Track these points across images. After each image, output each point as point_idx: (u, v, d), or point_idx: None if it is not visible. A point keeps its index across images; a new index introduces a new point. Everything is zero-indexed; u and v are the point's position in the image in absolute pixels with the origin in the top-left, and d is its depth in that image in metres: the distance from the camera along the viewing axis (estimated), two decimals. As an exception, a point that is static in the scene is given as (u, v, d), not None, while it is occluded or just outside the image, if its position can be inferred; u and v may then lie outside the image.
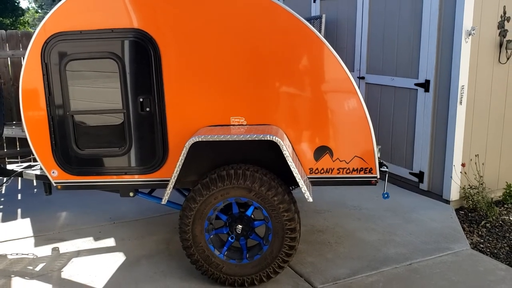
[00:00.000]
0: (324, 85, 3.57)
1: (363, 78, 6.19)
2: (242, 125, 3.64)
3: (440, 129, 5.24)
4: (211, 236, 3.63)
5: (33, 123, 3.71)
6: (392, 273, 3.85)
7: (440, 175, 5.31)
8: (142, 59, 3.58)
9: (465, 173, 5.15)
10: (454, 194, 5.21)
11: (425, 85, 5.30)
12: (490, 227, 4.74)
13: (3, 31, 6.60)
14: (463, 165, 5.13)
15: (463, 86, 4.97)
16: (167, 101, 3.63)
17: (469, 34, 4.86)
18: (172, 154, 3.70)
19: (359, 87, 3.58)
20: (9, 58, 6.61)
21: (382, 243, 4.35)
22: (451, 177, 5.11)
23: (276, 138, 3.30)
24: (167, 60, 3.57)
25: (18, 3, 29.79)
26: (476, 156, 5.22)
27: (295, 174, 3.36)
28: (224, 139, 3.37)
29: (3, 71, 6.52)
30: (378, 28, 5.92)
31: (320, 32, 6.48)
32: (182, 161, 3.45)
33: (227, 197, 3.47)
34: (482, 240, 4.46)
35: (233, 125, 3.64)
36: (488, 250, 4.27)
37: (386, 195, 3.80)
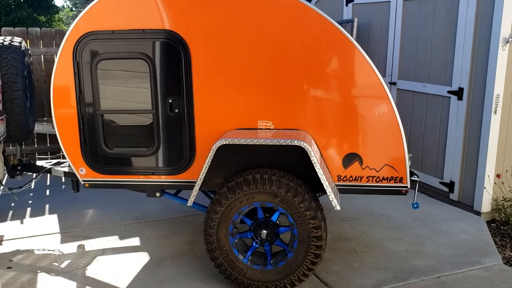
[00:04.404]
0: (355, 90, 3.50)
1: (394, 83, 6.07)
2: (270, 129, 3.59)
3: (473, 138, 5.09)
4: (236, 240, 3.59)
5: (63, 120, 3.75)
6: (419, 285, 3.74)
7: (472, 186, 5.15)
8: (172, 60, 3.57)
9: (502, 183, 4.98)
10: (485, 205, 5.05)
11: (459, 93, 5.16)
12: (523, 241, 4.58)
13: (38, 28, 6.73)
14: (498, 176, 4.97)
15: (498, 95, 4.82)
16: (196, 103, 3.62)
17: (507, 42, 4.71)
18: (199, 156, 3.69)
19: (390, 93, 3.48)
20: (42, 56, 6.75)
21: (410, 254, 4.24)
22: (484, 187, 4.96)
23: (304, 144, 3.24)
24: (197, 61, 3.56)
25: (53, 1, 30.42)
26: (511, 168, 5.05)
27: (322, 181, 3.29)
28: (251, 143, 3.33)
29: (36, 68, 6.64)
30: (411, 33, 5.79)
31: (351, 36, 6.37)
32: (209, 163, 3.43)
33: (252, 201, 3.43)
34: (514, 255, 4.31)
35: (261, 129, 3.60)
36: (521, 266, 4.12)
37: (416, 205, 3.70)
